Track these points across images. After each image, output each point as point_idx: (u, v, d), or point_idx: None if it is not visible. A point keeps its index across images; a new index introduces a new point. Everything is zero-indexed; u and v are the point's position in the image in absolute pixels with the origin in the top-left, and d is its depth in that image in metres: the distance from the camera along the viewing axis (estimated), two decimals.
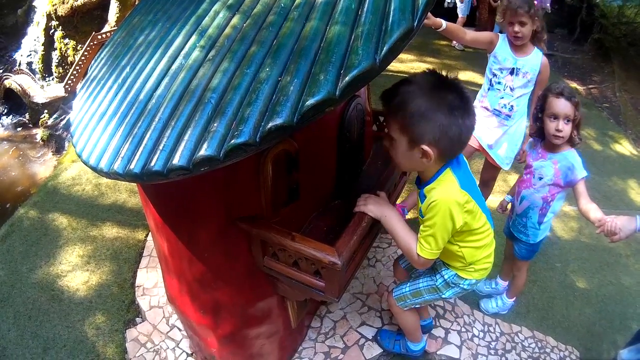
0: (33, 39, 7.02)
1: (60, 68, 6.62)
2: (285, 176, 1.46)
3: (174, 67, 1.25)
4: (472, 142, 2.70)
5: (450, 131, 1.33)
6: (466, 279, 1.76)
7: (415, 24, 1.00)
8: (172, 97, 1.15)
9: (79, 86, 1.75)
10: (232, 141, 0.96)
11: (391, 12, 1.03)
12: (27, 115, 6.61)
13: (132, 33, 1.71)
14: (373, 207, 1.56)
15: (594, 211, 1.89)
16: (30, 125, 6.54)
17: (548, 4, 5.18)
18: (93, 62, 1.85)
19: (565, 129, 1.96)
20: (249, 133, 0.95)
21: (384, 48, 0.97)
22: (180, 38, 1.35)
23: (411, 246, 1.54)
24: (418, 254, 1.53)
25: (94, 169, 1.29)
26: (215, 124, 1.00)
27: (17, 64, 7.13)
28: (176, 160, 1.02)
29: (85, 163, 1.35)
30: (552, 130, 1.99)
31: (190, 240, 1.55)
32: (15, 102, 6.64)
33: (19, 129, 6.59)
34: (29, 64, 7.08)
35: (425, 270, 1.87)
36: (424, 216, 1.51)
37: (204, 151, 0.99)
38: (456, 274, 1.76)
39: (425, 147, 1.35)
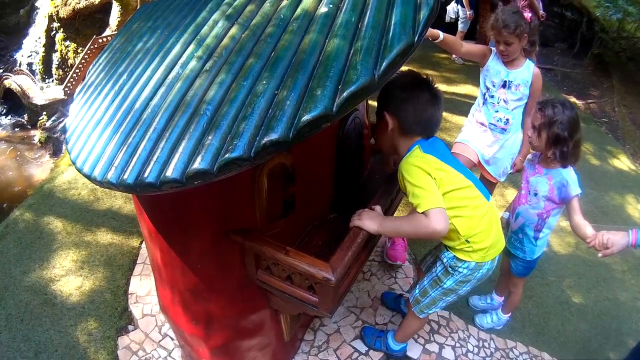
0: (34, 39, 7.03)
1: (61, 70, 6.62)
2: (281, 189, 1.44)
3: (170, 76, 1.23)
4: (472, 157, 2.68)
5: (411, 109, 1.59)
6: (465, 261, 1.71)
7: (415, 39, 0.99)
8: (167, 107, 1.14)
9: (77, 90, 1.74)
10: (226, 155, 0.94)
11: (391, 27, 1.02)
12: (25, 116, 6.58)
13: (131, 39, 1.70)
14: (368, 221, 1.54)
15: (585, 228, 1.90)
16: (29, 126, 6.51)
17: (541, 11, 5.21)
18: (91, 67, 1.84)
19: (533, 138, 2.02)
20: (244, 148, 0.93)
21: (383, 63, 0.96)
22: (178, 47, 1.34)
23: (416, 219, 1.48)
24: (422, 214, 1.46)
25: (88, 177, 1.28)
26: (209, 137, 0.99)
27: (18, 64, 7.13)
28: (169, 173, 1.00)
29: (79, 170, 1.33)
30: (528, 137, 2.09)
31: (183, 251, 1.53)
32: (15, 102, 6.61)
33: (17, 129, 6.57)
34: (30, 64, 7.08)
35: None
36: (406, 192, 1.58)
37: (197, 164, 0.97)
38: (454, 256, 1.72)
39: (385, 114, 1.62)
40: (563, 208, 2.07)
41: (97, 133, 1.35)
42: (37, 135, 6.22)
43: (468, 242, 1.67)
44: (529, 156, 2.24)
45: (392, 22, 1.03)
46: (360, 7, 1.10)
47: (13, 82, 6.39)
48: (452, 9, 6.31)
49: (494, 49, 2.57)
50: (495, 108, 2.59)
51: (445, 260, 1.77)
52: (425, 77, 1.66)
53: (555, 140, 1.93)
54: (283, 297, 1.48)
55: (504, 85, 2.52)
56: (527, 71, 2.49)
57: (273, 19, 1.19)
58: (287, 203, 1.50)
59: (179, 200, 1.38)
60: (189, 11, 1.50)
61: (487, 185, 2.85)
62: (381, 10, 1.06)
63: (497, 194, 3.67)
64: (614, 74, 6.78)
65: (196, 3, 1.53)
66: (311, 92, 0.96)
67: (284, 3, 1.22)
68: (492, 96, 2.57)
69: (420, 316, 1.98)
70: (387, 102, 1.64)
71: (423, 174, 1.52)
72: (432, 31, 2.40)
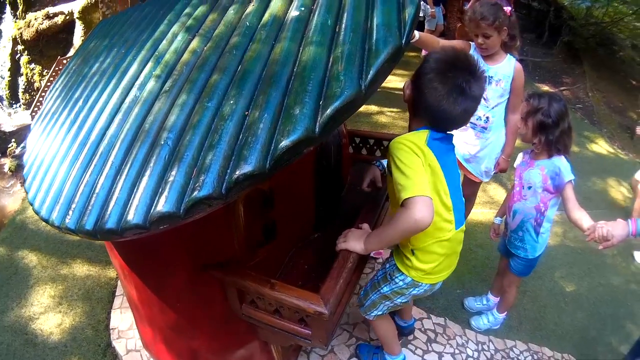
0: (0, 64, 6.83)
1: (27, 94, 6.44)
2: (259, 215, 1.31)
3: (127, 100, 1.10)
4: None
5: (430, 93, 1.36)
6: (402, 274, 1.58)
7: (403, 41, 0.88)
8: (125, 137, 1.01)
9: (34, 121, 1.61)
10: (194, 194, 0.81)
11: (374, 29, 0.91)
12: None
13: (88, 60, 1.57)
14: (353, 242, 1.42)
15: (582, 219, 1.85)
16: None
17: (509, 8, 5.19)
18: (48, 93, 1.71)
19: (522, 127, 2.03)
20: (213, 184, 0.80)
21: (370, 72, 0.84)
22: (135, 66, 1.20)
23: (398, 219, 1.30)
24: (402, 205, 1.27)
25: (46, 221, 1.14)
26: (172, 172, 0.85)
27: None
28: (131, 217, 0.87)
29: (37, 213, 1.20)
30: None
31: (158, 289, 1.40)
32: None
33: None
34: None
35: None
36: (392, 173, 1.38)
37: (161, 207, 0.84)
38: (396, 264, 1.60)
39: (407, 82, 1.46)
40: (560, 199, 2.03)
41: (54, 169, 1.21)
42: (7, 163, 6.00)
43: (413, 253, 1.54)
44: (520, 155, 2.18)
45: (375, 23, 0.91)
46: (336, 8, 0.98)
47: None
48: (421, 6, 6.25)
49: (472, 43, 2.48)
50: None
51: (387, 265, 1.67)
52: (475, 66, 1.39)
53: (540, 127, 1.94)
54: (272, 330, 1.35)
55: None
56: (508, 66, 2.40)
57: (238, 27, 1.06)
58: (267, 229, 1.37)
59: (149, 238, 1.24)
60: (146, 25, 1.37)
61: (471, 185, 2.76)
62: (360, 9, 0.95)
63: (481, 191, 3.60)
64: (584, 60, 6.86)
65: (154, 16, 1.40)
66: (288, 111, 0.83)
67: (249, 9, 1.09)
68: None
69: (367, 317, 1.86)
70: (417, 73, 1.42)
71: (415, 156, 1.34)
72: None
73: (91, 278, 2.76)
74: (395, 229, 1.33)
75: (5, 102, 6.69)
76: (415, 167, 1.31)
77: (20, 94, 6.54)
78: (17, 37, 6.20)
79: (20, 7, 6.15)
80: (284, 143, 0.80)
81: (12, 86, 6.63)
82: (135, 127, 1.02)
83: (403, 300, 1.70)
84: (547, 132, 1.94)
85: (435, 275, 1.58)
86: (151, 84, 1.10)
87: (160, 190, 0.87)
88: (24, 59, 6.34)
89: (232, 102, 0.90)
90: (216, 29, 1.10)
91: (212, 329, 1.48)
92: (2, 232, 3.25)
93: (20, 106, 6.62)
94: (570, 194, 1.92)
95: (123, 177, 0.95)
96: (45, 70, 6.14)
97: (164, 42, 1.21)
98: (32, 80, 6.42)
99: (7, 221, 3.50)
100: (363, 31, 0.91)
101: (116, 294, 2.65)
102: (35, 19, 6.07)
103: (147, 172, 0.91)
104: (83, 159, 1.09)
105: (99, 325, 2.47)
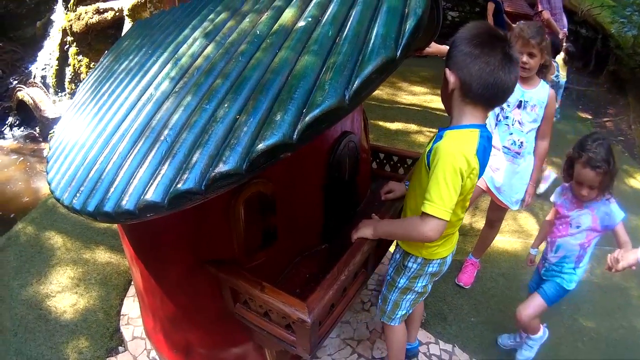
0: (49, 52, 7.13)
1: (73, 84, 6.68)
2: (261, 219, 1.34)
3: (143, 98, 1.16)
4: (480, 183, 2.53)
5: (476, 68, 1.30)
6: (413, 256, 1.62)
7: (398, 54, 0.88)
8: (134, 131, 1.07)
9: (65, 109, 1.71)
10: (177, 187, 0.85)
11: (371, 40, 0.92)
12: (37, 129, 6.66)
13: (119, 58, 1.65)
14: (365, 229, 1.50)
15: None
16: (40, 139, 6.57)
17: (564, 29, 5.04)
18: (80, 85, 1.81)
19: (590, 194, 1.92)
20: (195, 180, 0.84)
21: (356, 82, 0.85)
22: (156, 67, 1.27)
23: (411, 223, 1.38)
24: (423, 213, 1.32)
25: (58, 200, 1.22)
26: (165, 166, 0.91)
27: (32, 76, 7.22)
28: (124, 203, 0.93)
29: (52, 192, 1.28)
30: (577, 192, 1.98)
31: (160, 278, 1.45)
32: (27, 114, 6.70)
33: (28, 141, 6.63)
34: (43, 77, 7.17)
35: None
36: (429, 161, 1.39)
37: (149, 196, 0.89)
38: (404, 250, 1.64)
39: (447, 70, 1.37)
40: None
41: (72, 155, 1.29)
42: (46, 149, 6.26)
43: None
44: (558, 189, 2.12)
45: (373, 34, 0.92)
46: (340, 20, 0.99)
47: (26, 94, 6.48)
48: None
49: None
50: (509, 130, 2.42)
51: (397, 256, 1.70)
52: (502, 33, 1.38)
53: (611, 182, 1.89)
54: (262, 333, 1.37)
55: (519, 106, 2.37)
56: (543, 91, 2.34)
57: (249, 35, 1.10)
58: (268, 234, 1.39)
59: (154, 226, 1.30)
60: (173, 28, 1.44)
61: (498, 211, 2.67)
62: (363, 22, 0.96)
63: (510, 218, 3.49)
64: (629, 91, 6.61)
65: (182, 20, 1.47)
66: (271, 117, 0.86)
67: (262, 18, 1.13)
68: (507, 117, 2.42)
69: (391, 324, 1.85)
70: (450, 56, 1.38)
71: (459, 178, 1.32)
72: (439, 47, 2.28)
73: (111, 265, 2.86)
74: (404, 230, 1.44)
75: (52, 90, 6.99)
76: (454, 189, 1.32)
77: (66, 84, 6.80)
78: (67, 28, 6.46)
79: (72, 0, 6.40)
80: (260, 146, 0.83)
81: (59, 75, 6.88)
82: (144, 123, 1.08)
83: (423, 283, 1.72)
84: (613, 180, 1.89)
85: (444, 247, 1.62)
86: (165, 85, 1.16)
87: (152, 181, 0.92)
88: (73, 50, 6.60)
89: (226, 106, 0.94)
90: (230, 37, 1.15)
91: (206, 324, 1.52)
92: (32, 211, 3.38)
93: (65, 95, 6.88)
94: (622, 231, 1.91)
95: (125, 167, 1.01)
96: (92, 63, 6.37)
97: (185, 45, 1.28)
98: (78, 72, 6.66)
99: (40, 202, 3.67)
100: (360, 42, 0.91)
101: (132, 282, 2.74)
102: (86, 12, 6.31)
103: (145, 164, 0.97)
104: (97, 148, 1.17)
105: (111, 311, 2.55)
